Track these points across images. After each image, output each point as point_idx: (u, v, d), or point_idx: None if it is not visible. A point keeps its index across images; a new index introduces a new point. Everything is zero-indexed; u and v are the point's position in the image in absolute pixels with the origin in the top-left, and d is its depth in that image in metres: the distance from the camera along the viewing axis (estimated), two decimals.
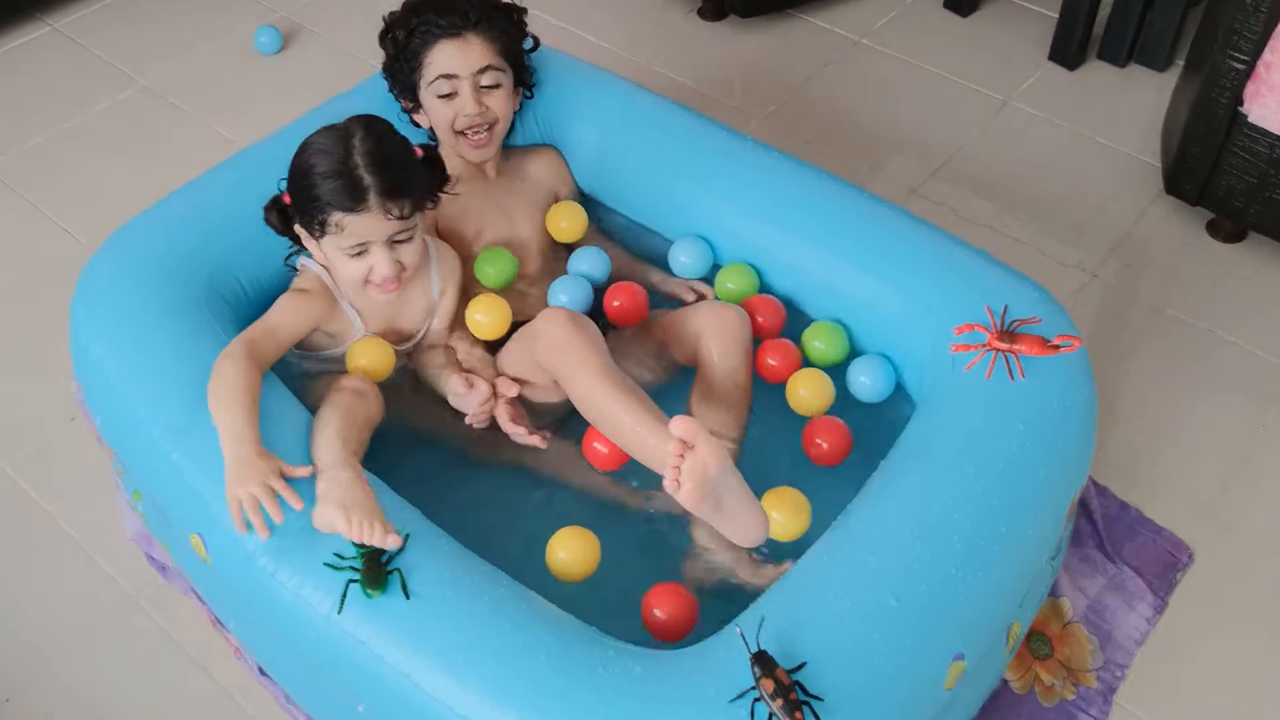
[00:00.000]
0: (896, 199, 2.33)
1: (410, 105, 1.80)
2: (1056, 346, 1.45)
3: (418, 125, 1.82)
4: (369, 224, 1.47)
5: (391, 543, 1.28)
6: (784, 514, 1.39)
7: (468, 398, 1.56)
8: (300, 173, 1.50)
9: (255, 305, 1.65)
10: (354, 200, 1.45)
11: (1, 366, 2.09)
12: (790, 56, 2.72)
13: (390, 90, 1.82)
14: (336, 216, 1.46)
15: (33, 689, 1.65)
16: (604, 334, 1.52)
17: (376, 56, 1.82)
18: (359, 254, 1.50)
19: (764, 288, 1.74)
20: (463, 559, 1.31)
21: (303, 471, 1.34)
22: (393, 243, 1.51)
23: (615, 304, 1.69)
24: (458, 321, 1.68)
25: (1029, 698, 1.60)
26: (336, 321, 1.60)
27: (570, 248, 1.84)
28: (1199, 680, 1.62)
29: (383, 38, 1.78)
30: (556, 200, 1.88)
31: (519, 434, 1.56)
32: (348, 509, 1.29)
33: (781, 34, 2.78)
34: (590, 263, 1.77)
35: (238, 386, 1.40)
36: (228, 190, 1.72)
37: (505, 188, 1.84)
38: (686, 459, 1.28)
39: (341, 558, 1.30)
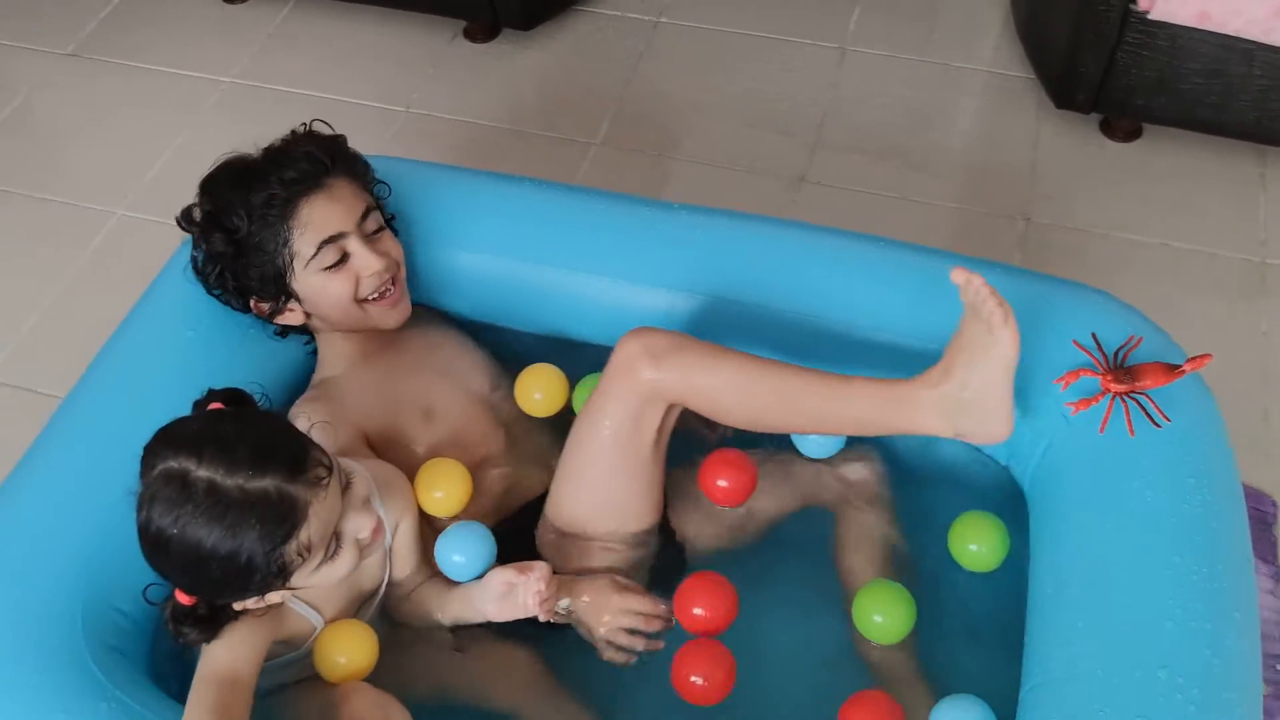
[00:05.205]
0: (789, 191, 2.08)
1: (272, 306, 1.36)
2: (1181, 369, 1.23)
3: (274, 323, 1.40)
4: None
5: None
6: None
7: (523, 587, 1.17)
8: None
9: (148, 635, 1.22)
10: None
11: None
12: (596, 60, 2.38)
13: (227, 301, 1.38)
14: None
15: None
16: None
17: None
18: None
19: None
20: None
21: None
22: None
23: (720, 484, 1.35)
24: (427, 553, 1.31)
25: None
26: (289, 624, 1.21)
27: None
28: None
29: (206, 236, 1.33)
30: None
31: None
32: None
33: (573, 38, 2.43)
34: (466, 548, 1.27)
35: None
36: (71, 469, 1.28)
37: (422, 344, 1.46)
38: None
39: None
